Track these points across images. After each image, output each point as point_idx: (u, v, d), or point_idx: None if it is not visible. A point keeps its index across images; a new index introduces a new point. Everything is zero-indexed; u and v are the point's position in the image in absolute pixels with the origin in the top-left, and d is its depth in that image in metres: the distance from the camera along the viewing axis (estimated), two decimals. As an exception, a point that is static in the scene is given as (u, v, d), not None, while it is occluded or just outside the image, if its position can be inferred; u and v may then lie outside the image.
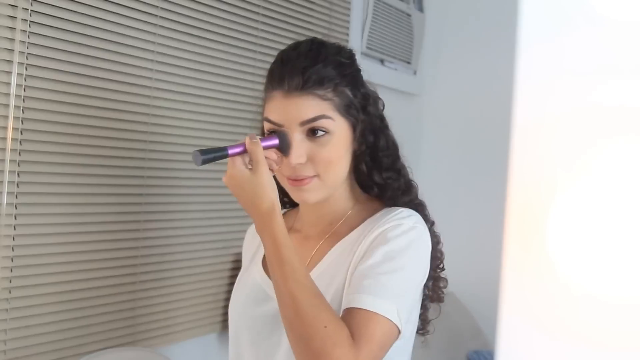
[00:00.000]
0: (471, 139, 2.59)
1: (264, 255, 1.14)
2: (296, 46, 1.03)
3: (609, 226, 0.34)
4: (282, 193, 1.15)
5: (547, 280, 0.35)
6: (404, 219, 0.99)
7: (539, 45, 0.36)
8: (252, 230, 1.23)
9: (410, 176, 1.11)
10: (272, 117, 0.98)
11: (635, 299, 0.33)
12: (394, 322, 0.90)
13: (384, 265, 0.93)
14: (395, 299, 0.91)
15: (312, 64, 0.97)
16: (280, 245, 0.91)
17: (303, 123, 0.97)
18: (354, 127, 1.01)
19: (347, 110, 1.00)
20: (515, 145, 0.37)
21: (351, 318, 0.89)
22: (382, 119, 1.08)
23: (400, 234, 0.96)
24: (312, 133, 0.97)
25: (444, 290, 1.13)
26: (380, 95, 1.10)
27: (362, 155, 1.04)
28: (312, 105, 0.96)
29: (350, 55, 1.05)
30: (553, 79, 0.36)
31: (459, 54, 2.65)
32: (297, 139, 0.97)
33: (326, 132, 0.97)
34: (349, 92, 1.01)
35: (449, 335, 2.17)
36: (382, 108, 1.09)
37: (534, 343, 0.36)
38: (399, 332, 0.92)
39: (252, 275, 1.12)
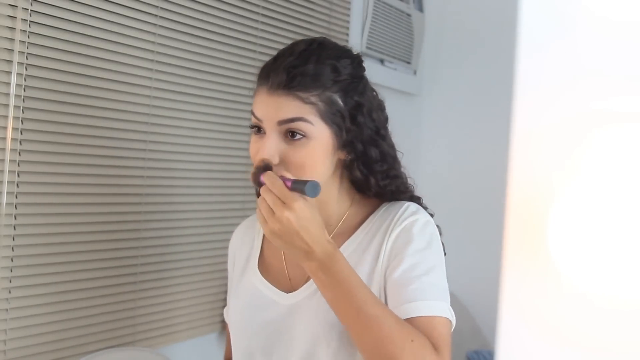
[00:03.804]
0: (471, 139, 2.60)
1: (259, 259, 1.13)
2: (294, 44, 1.00)
3: (609, 227, 0.34)
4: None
5: (547, 280, 0.35)
6: (415, 213, 1.01)
7: (539, 46, 0.36)
8: (240, 233, 1.20)
9: (409, 181, 1.10)
10: (255, 112, 0.97)
11: (635, 300, 0.33)
12: (449, 317, 0.94)
13: (420, 267, 0.96)
14: (443, 295, 0.96)
15: (302, 64, 0.94)
16: (350, 274, 0.91)
17: (280, 123, 0.94)
18: (336, 135, 0.97)
19: (331, 119, 0.96)
20: (515, 145, 0.37)
21: (418, 327, 0.90)
22: (377, 130, 1.03)
23: (421, 231, 0.99)
24: (290, 135, 0.94)
25: None
26: (379, 95, 1.08)
27: (355, 164, 1.02)
28: (292, 107, 0.93)
29: (352, 61, 1.00)
30: (554, 80, 0.36)
31: (459, 54, 2.65)
32: (273, 137, 0.95)
33: (303, 135, 0.94)
34: (337, 99, 0.96)
35: (448, 335, 2.17)
36: (382, 119, 1.04)
37: (533, 343, 0.36)
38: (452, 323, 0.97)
39: (250, 281, 1.09)
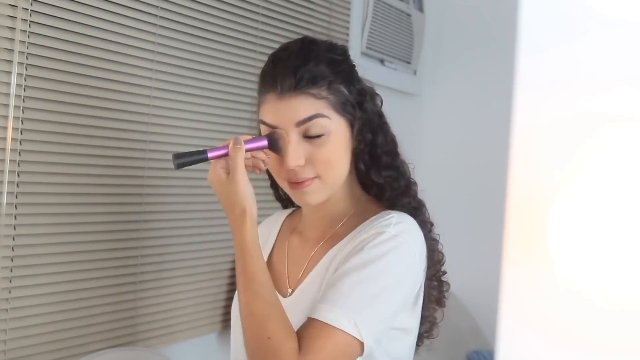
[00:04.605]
0: (471, 139, 2.59)
1: (269, 258, 1.14)
2: (287, 46, 1.02)
3: (608, 227, 0.34)
4: (285, 193, 1.15)
5: (547, 281, 0.35)
6: (389, 226, 0.95)
7: (539, 46, 0.36)
8: (260, 228, 1.22)
9: (411, 173, 1.09)
10: (268, 120, 0.97)
11: (635, 300, 0.33)
12: (351, 334, 0.88)
13: (351, 276, 0.91)
14: (355, 311, 0.89)
15: (304, 63, 0.95)
16: (246, 253, 0.92)
17: (299, 123, 0.94)
18: (351, 125, 0.99)
19: (343, 108, 0.98)
20: (515, 146, 0.37)
21: (306, 328, 0.89)
22: (380, 115, 1.05)
23: (378, 244, 0.93)
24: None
25: (446, 294, 1.12)
26: (380, 95, 1.09)
27: (361, 154, 1.02)
28: (307, 105, 0.94)
29: (343, 51, 1.03)
30: (553, 80, 0.36)
31: (459, 54, 2.65)
32: (294, 140, 0.95)
33: (323, 131, 0.95)
34: (344, 89, 0.98)
35: (449, 335, 2.17)
36: (380, 104, 1.07)
37: (533, 343, 0.36)
38: (362, 345, 0.89)
39: None
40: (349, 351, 0.89)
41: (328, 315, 0.88)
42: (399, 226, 0.96)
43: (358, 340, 0.88)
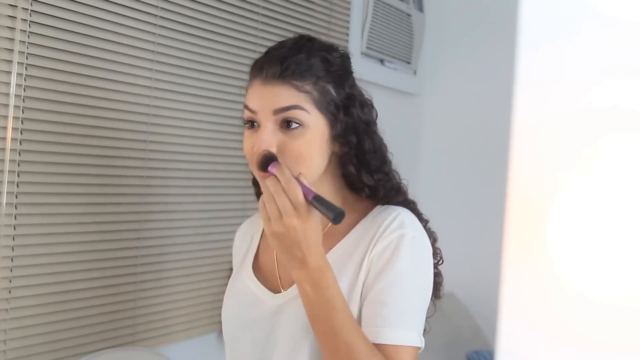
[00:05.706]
0: (471, 139, 2.60)
1: (254, 259, 1.13)
2: (284, 40, 1.02)
3: (609, 226, 0.34)
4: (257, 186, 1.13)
5: (547, 280, 0.35)
6: (403, 226, 0.97)
7: (539, 46, 0.36)
8: (241, 232, 1.20)
9: (402, 180, 1.09)
10: (249, 104, 0.97)
11: (634, 299, 0.33)
12: (416, 345, 0.94)
13: (396, 289, 0.93)
14: (415, 322, 0.94)
15: (295, 54, 0.95)
16: (337, 311, 0.90)
17: (276, 111, 0.93)
18: (331, 125, 0.98)
19: (326, 107, 0.96)
20: (515, 145, 0.37)
21: (383, 353, 0.90)
22: (368, 123, 1.03)
23: (405, 249, 0.95)
24: (286, 125, 0.94)
25: (440, 285, 1.12)
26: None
27: (348, 157, 1.01)
28: (287, 95, 0.93)
29: (341, 54, 1.02)
30: (553, 79, 0.36)
31: (459, 54, 2.66)
32: (269, 127, 0.94)
33: (300, 124, 0.94)
34: (331, 89, 0.97)
35: (449, 335, 2.17)
36: (373, 114, 1.05)
37: (533, 343, 0.36)
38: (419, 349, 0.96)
39: (243, 280, 1.09)
40: (417, 357, 0.95)
41: (398, 336, 0.91)
42: (408, 223, 0.98)
43: (419, 347, 0.95)
